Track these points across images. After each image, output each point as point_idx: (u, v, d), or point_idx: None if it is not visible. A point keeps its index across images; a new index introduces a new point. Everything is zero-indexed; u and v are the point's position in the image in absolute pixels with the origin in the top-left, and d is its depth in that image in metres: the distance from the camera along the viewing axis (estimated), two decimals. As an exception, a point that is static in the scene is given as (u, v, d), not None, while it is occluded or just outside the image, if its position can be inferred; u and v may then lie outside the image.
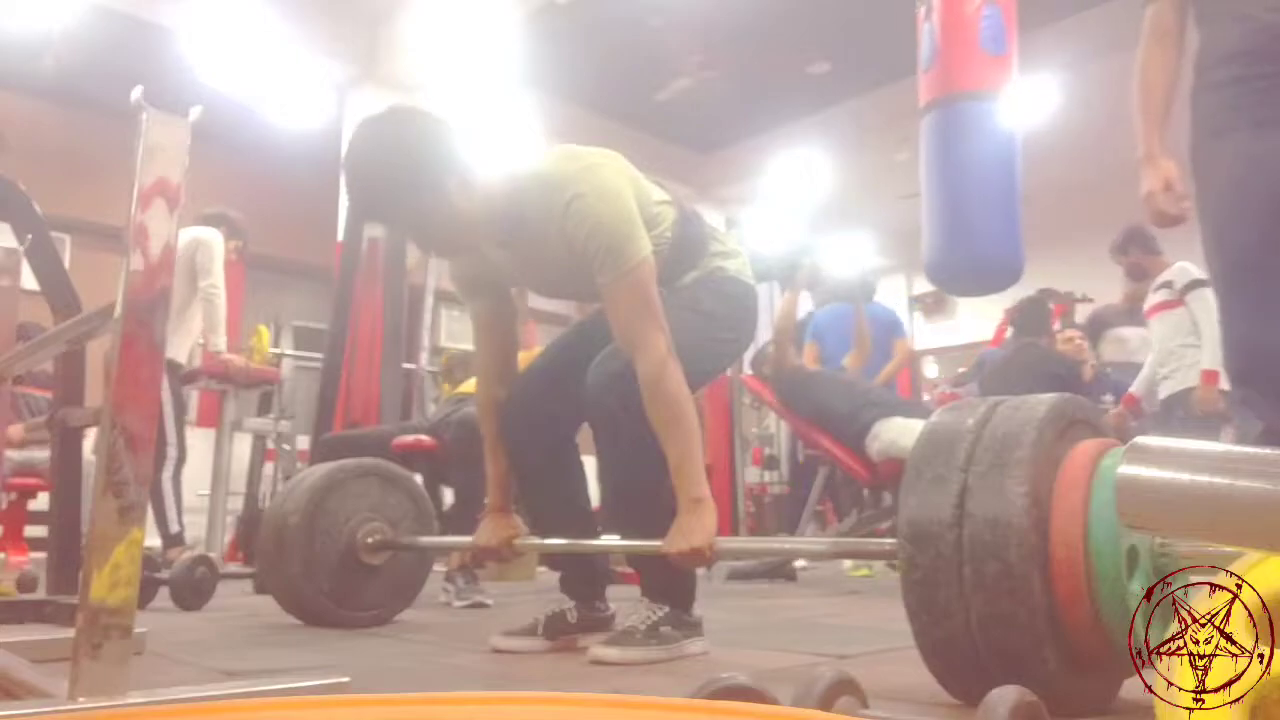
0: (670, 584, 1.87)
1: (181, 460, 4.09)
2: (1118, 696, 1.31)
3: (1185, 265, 4.17)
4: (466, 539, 2.10)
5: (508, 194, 1.81)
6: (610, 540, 1.90)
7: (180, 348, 4.12)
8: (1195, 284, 4.05)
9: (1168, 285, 4.24)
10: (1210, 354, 3.90)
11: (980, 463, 1.21)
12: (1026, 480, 1.17)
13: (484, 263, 1.94)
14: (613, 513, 1.91)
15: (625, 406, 1.76)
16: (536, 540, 2.04)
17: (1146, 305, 4.41)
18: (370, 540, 2.33)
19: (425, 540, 2.39)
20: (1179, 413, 4.21)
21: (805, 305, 5.15)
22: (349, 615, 2.31)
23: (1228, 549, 0.90)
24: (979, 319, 8.32)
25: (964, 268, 3.45)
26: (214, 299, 4.07)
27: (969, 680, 1.23)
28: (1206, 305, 3.94)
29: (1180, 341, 4.17)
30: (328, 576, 2.28)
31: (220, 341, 4.17)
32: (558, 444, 2.00)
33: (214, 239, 4.17)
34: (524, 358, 3.63)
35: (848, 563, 4.68)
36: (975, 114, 3.48)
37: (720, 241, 2.04)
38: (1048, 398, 1.29)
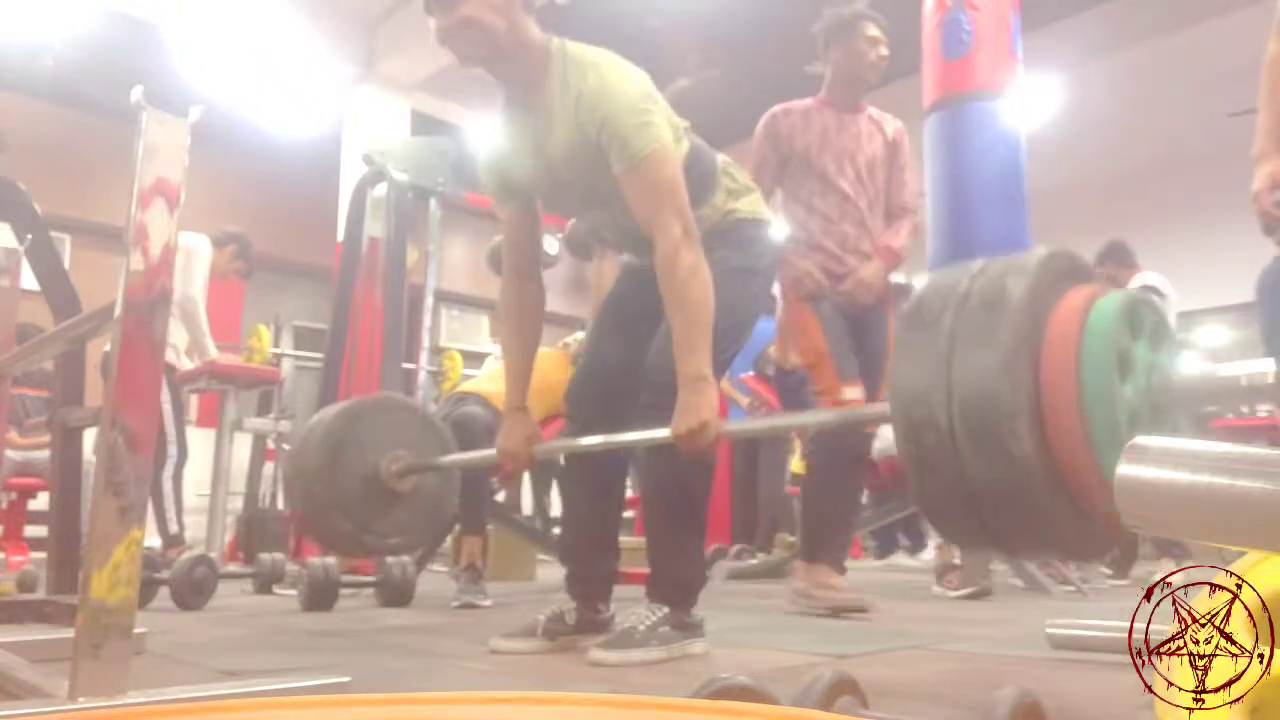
0: (675, 584, 1.88)
1: (183, 459, 4.09)
2: (1129, 575, 1.29)
3: (1144, 274, 4.41)
4: (490, 452, 2.11)
5: (541, 48, 1.83)
6: (627, 435, 1.86)
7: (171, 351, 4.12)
8: (1146, 290, 4.24)
9: None
10: None
11: (969, 315, 1.19)
12: (1016, 328, 1.15)
13: (508, 166, 1.98)
14: (651, 500, 1.94)
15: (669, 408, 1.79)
16: (558, 443, 2.05)
17: None
18: (395, 468, 2.34)
19: (447, 459, 2.39)
20: None
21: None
22: (381, 543, 2.33)
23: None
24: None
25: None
26: (192, 313, 4.07)
27: (971, 532, 1.24)
28: None
29: None
30: (357, 506, 2.29)
31: (209, 352, 4.17)
32: (624, 422, 1.99)
33: (200, 247, 4.16)
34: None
35: None
36: (977, 115, 3.49)
37: (731, 177, 2.03)
38: (1038, 252, 1.27)
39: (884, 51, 2.90)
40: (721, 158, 2.04)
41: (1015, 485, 1.13)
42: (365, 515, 2.29)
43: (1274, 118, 2.05)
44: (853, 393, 2.71)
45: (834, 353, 2.77)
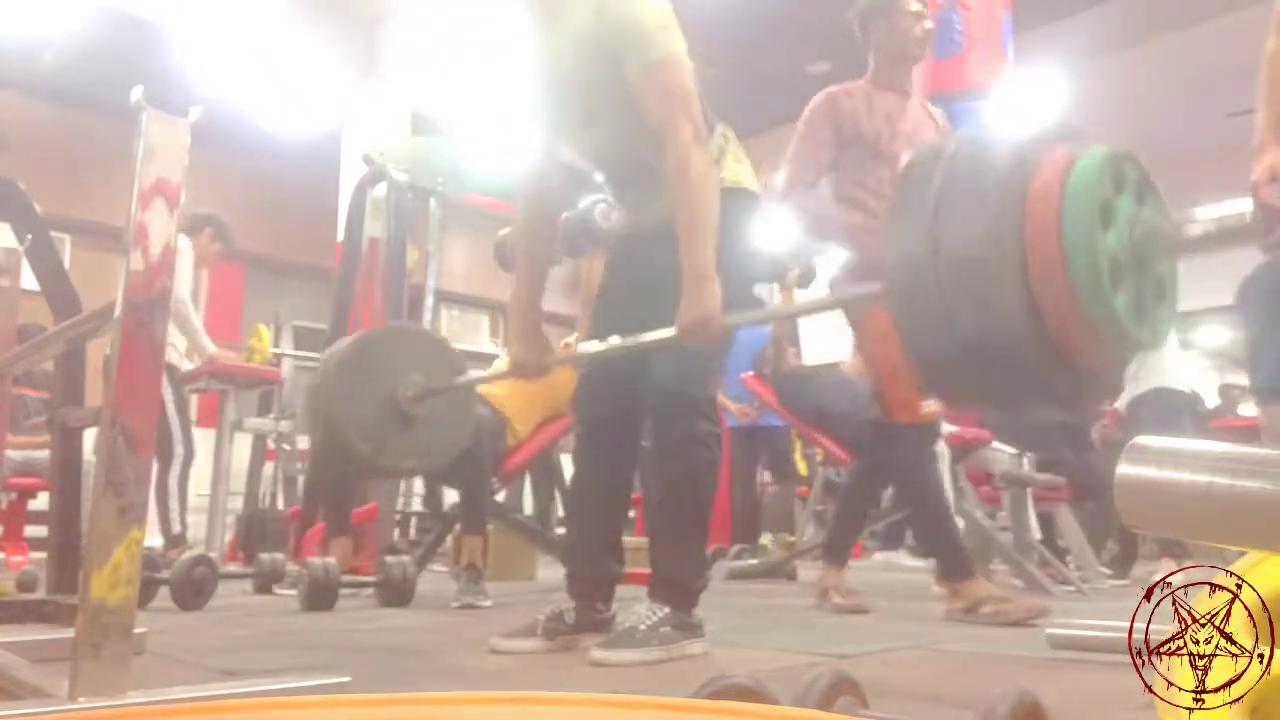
0: (677, 584, 1.88)
1: (189, 459, 4.09)
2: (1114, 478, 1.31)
3: None
4: (502, 371, 2.15)
5: None
6: (641, 338, 1.85)
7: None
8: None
9: None
10: None
11: (956, 173, 1.21)
12: (1000, 181, 1.17)
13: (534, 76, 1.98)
14: (658, 501, 1.94)
15: (679, 411, 1.84)
16: (572, 355, 2.06)
17: None
18: (411, 392, 2.35)
19: (462, 379, 2.40)
20: (1144, 413, 4.31)
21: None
22: (397, 464, 2.36)
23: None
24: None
25: None
26: (184, 314, 4.06)
27: (963, 387, 1.26)
28: None
29: None
30: (374, 428, 2.30)
31: (206, 350, 4.17)
32: (633, 424, 2.04)
33: (180, 247, 4.15)
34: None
35: None
36: (968, 114, 3.49)
37: (714, 140, 2.00)
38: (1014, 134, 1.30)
39: (928, 25, 2.75)
40: (721, 126, 2.04)
41: (1002, 337, 1.16)
42: (382, 438, 2.31)
43: (1273, 113, 2.05)
44: (932, 405, 2.63)
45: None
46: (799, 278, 4.45)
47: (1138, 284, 1.19)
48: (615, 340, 1.89)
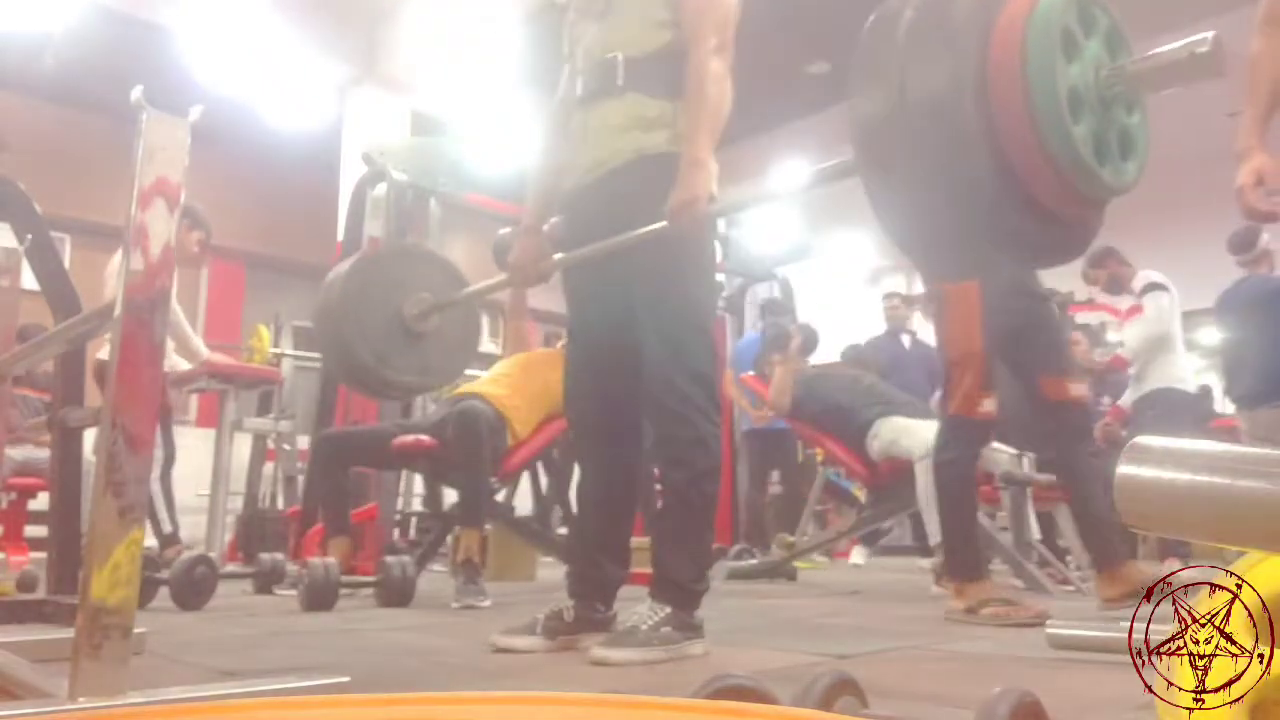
0: (680, 586, 1.88)
1: (169, 461, 4.09)
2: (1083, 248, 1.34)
3: (1147, 271, 4.51)
4: (504, 279, 2.17)
5: None
6: (628, 235, 1.86)
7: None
8: (1152, 286, 4.41)
9: (1132, 291, 4.60)
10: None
11: (916, 43, 1.23)
12: (960, 37, 1.19)
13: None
14: (665, 505, 1.96)
15: (681, 414, 1.85)
16: (569, 255, 2.05)
17: (1124, 309, 4.75)
18: (416, 310, 2.36)
19: (465, 291, 2.41)
20: (1149, 413, 4.35)
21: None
22: (400, 378, 2.38)
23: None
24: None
25: None
26: (174, 320, 4.05)
27: (941, 254, 1.29)
28: (1155, 305, 4.39)
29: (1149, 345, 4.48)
30: (380, 341, 2.33)
31: (201, 353, 4.17)
32: (627, 422, 2.04)
33: None
34: (524, 358, 3.65)
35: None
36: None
37: (671, 101, 2.00)
38: None
39: None
40: None
41: (965, 170, 1.18)
42: (387, 351, 2.34)
43: (1257, 114, 2.05)
44: (990, 404, 2.59)
45: (988, 354, 2.58)
46: (802, 344, 4.44)
47: (1100, 123, 1.20)
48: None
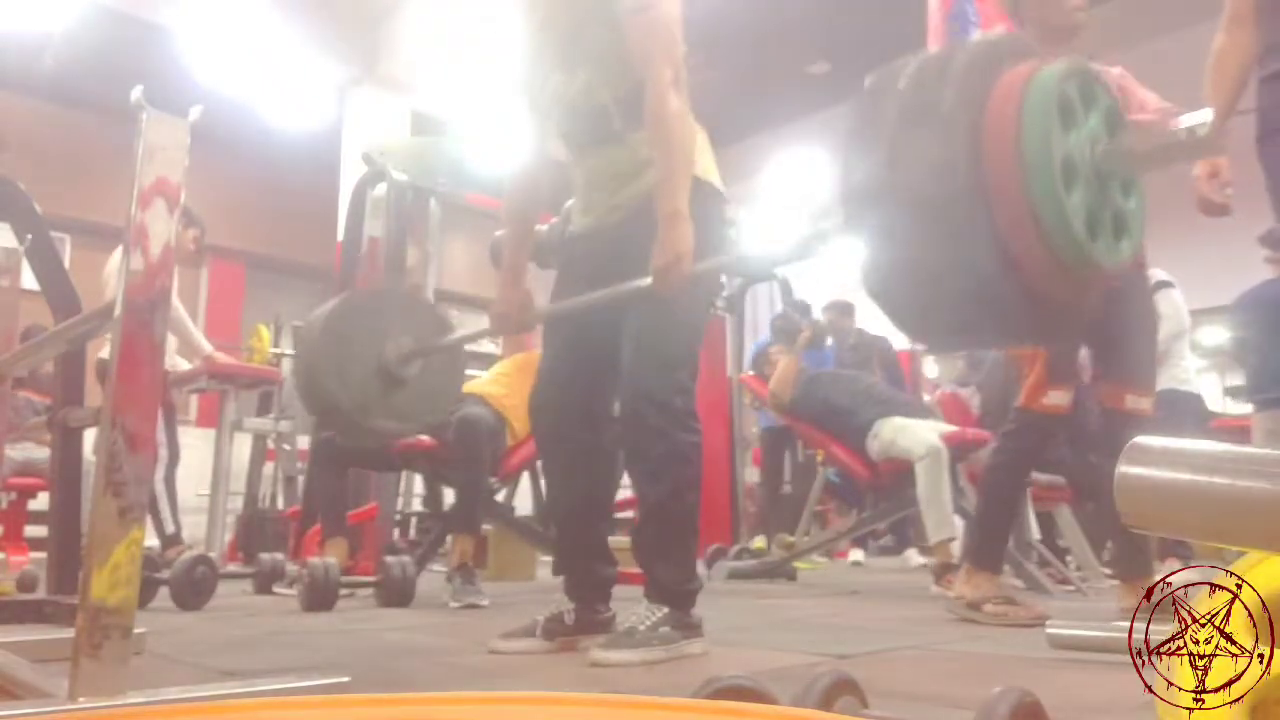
0: (673, 585, 1.88)
1: (174, 461, 4.09)
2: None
3: (1154, 270, 4.48)
4: (486, 329, 2.14)
5: None
6: (615, 290, 1.85)
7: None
8: (1161, 284, 4.30)
9: None
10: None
11: (911, 108, 1.19)
12: (955, 110, 1.15)
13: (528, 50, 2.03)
14: (644, 521, 1.93)
15: (660, 427, 1.83)
16: (554, 306, 2.04)
17: None
18: (398, 353, 2.35)
19: (449, 339, 2.40)
20: (1160, 412, 4.34)
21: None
22: (382, 425, 2.32)
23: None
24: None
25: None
26: (176, 318, 4.05)
27: (935, 323, 1.26)
28: (1171, 302, 4.33)
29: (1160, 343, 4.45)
30: (359, 388, 2.29)
31: (204, 348, 4.17)
32: (592, 440, 2.02)
33: None
34: (523, 358, 3.65)
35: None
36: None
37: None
38: (979, 40, 1.29)
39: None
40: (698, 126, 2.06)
41: (950, 224, 1.14)
42: (366, 398, 2.30)
43: (1220, 109, 2.06)
44: (1058, 397, 2.53)
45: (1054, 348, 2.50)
46: (810, 338, 4.44)
47: (1094, 198, 1.17)
48: (594, 294, 1.88)
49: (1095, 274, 1.21)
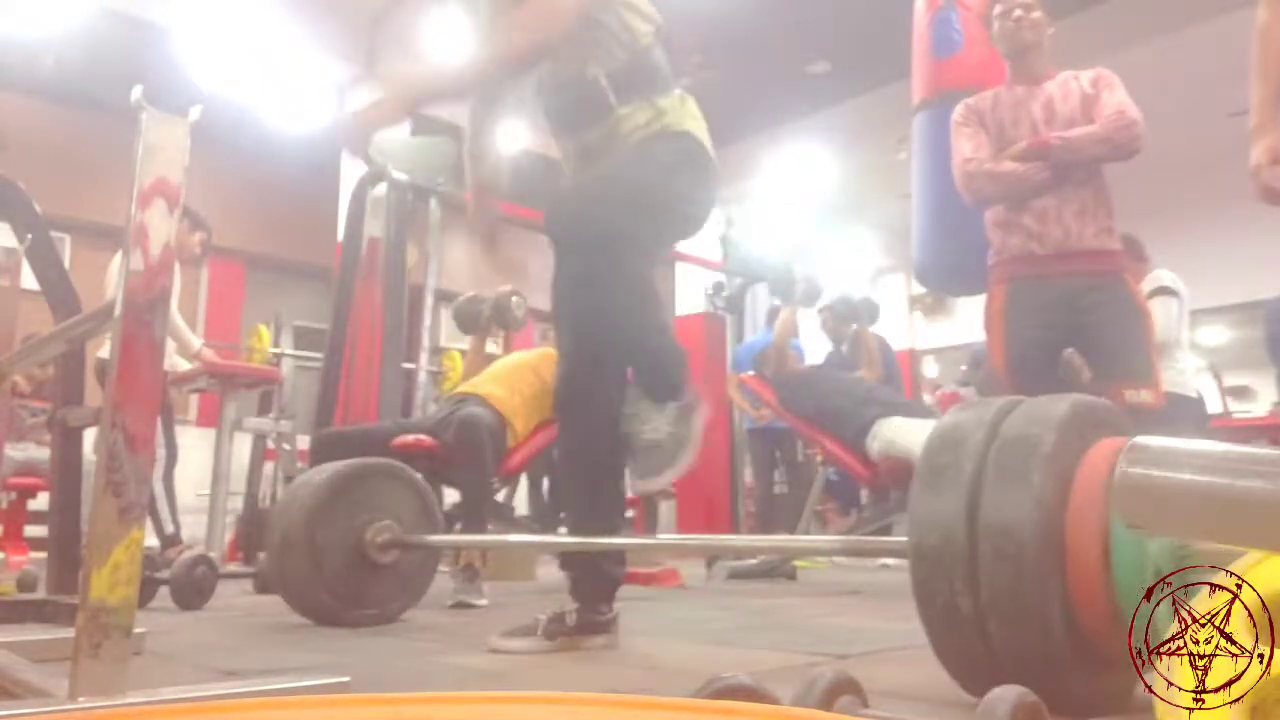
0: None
1: (172, 460, 4.09)
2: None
3: (1159, 273, 4.38)
4: (475, 537, 2.12)
5: None
6: None
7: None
8: (1160, 290, 4.29)
9: (1140, 291, 4.57)
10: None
11: (994, 465, 1.16)
12: (1041, 484, 1.12)
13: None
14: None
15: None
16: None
17: None
18: (379, 540, 2.34)
19: (434, 539, 2.39)
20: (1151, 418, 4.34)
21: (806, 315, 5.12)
22: (358, 614, 2.32)
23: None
24: (979, 318, 8.34)
25: (953, 268, 3.42)
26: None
27: (985, 683, 1.22)
28: (1165, 311, 4.25)
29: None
30: (336, 576, 2.28)
31: (192, 345, 4.17)
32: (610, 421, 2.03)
33: None
34: (522, 358, 3.65)
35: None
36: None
37: (670, 97, 2.04)
38: (1066, 399, 1.23)
39: (1016, 14, 2.77)
40: (680, 90, 2.10)
41: (1038, 646, 1.11)
42: (343, 588, 2.30)
43: (1269, 91, 1.98)
44: (1146, 397, 2.55)
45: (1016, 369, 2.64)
46: (804, 295, 4.45)
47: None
48: None
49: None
